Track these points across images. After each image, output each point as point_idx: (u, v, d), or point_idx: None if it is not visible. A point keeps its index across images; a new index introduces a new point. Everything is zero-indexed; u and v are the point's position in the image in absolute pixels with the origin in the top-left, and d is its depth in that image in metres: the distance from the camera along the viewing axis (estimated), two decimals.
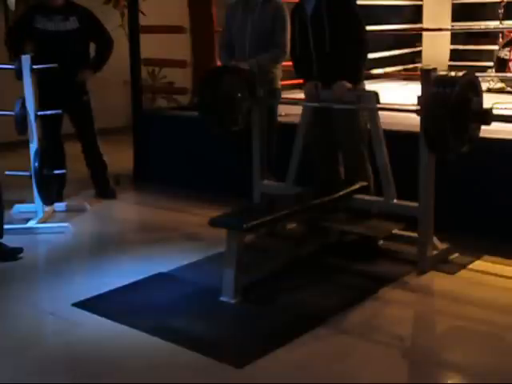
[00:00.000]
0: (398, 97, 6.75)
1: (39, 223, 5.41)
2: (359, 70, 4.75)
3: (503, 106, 5.72)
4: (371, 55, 9.13)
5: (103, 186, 6.37)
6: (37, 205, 5.52)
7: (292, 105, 5.53)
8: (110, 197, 6.31)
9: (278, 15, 5.24)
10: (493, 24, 8.83)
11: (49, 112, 5.63)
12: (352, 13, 4.68)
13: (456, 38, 9.67)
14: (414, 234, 4.51)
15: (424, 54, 9.81)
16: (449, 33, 9.46)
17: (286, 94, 7.13)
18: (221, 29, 5.72)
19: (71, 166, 6.11)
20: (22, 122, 5.46)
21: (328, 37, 4.62)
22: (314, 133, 4.92)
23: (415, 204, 4.44)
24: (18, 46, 5.91)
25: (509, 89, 7.98)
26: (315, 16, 4.67)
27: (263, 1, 5.26)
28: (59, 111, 5.76)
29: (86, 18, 5.98)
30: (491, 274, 4.38)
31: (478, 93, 4.01)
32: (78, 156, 6.27)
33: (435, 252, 4.49)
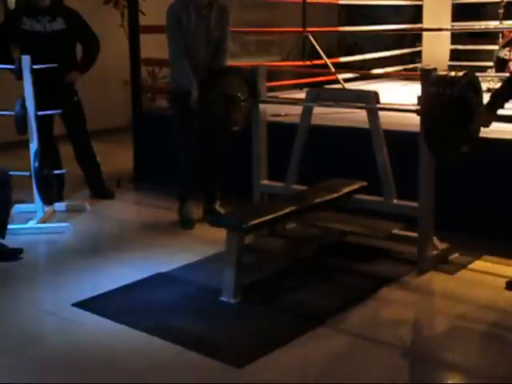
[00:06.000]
0: (397, 97, 6.75)
1: (39, 223, 5.42)
2: None
3: None
4: (371, 55, 9.19)
5: (98, 187, 6.35)
6: (37, 205, 5.52)
7: (292, 105, 5.53)
8: (108, 197, 6.30)
9: (226, 19, 5.20)
10: (493, 24, 8.83)
11: (49, 112, 5.62)
12: None
13: (456, 38, 9.66)
14: (414, 234, 4.51)
15: (424, 54, 9.79)
16: (449, 33, 9.44)
17: (286, 94, 7.14)
18: None
19: (66, 166, 6.08)
20: (21, 121, 5.46)
21: None
22: None
23: (415, 204, 4.44)
24: (4, 49, 5.88)
25: None
26: None
27: (209, 2, 5.14)
28: (59, 111, 5.76)
29: (72, 19, 5.94)
30: (491, 274, 4.38)
31: (478, 93, 4.01)
32: (73, 156, 6.26)
33: (435, 252, 4.49)
